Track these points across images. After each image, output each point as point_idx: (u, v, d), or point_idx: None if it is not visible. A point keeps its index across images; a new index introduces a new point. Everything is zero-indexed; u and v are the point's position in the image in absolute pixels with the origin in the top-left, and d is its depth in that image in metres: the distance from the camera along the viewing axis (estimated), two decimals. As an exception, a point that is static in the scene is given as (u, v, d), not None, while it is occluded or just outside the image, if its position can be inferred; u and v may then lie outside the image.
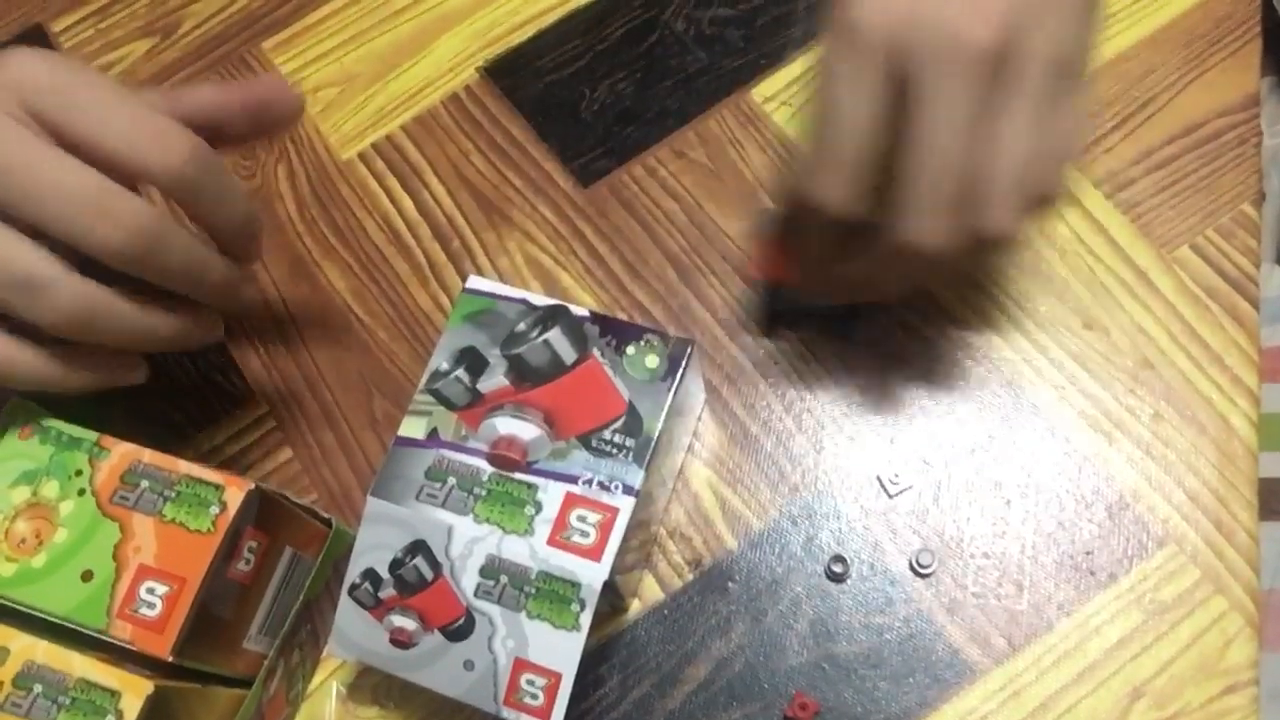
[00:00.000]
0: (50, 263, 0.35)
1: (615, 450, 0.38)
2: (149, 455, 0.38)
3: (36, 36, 0.58)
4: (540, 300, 0.40)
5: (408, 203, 0.52)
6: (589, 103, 0.53)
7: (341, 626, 0.38)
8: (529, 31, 0.55)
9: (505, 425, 0.38)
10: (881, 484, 0.44)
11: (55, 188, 0.35)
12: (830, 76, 0.34)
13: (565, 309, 0.40)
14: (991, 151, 0.34)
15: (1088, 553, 0.42)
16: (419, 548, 0.37)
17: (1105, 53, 0.50)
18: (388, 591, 0.38)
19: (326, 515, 0.43)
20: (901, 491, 0.44)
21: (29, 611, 0.36)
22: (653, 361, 0.39)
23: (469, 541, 0.37)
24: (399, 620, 0.37)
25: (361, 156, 0.54)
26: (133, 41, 0.58)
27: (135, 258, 0.36)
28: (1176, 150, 0.48)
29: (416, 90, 0.55)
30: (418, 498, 0.38)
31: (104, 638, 0.36)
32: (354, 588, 0.38)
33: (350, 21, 0.57)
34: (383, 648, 0.38)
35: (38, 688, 0.35)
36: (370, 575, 0.38)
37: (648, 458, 0.38)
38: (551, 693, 0.36)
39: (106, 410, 0.49)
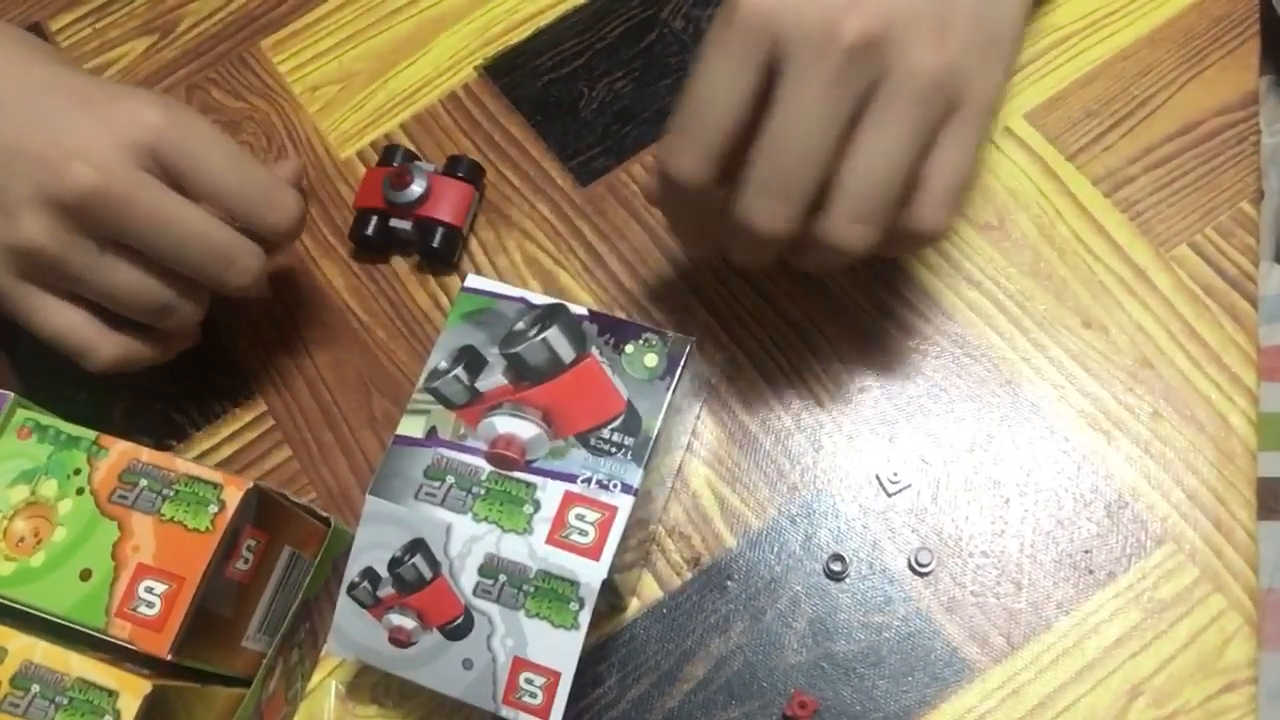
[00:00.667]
0: (175, 294, 0.42)
1: (614, 449, 0.38)
2: (147, 454, 0.38)
3: (34, 34, 0.58)
4: (539, 299, 0.40)
5: (406, 201, 0.52)
6: (588, 101, 0.53)
7: (340, 625, 0.38)
8: (527, 30, 0.55)
9: (504, 424, 0.38)
10: (880, 483, 0.44)
11: (198, 239, 0.41)
12: (707, 53, 0.35)
13: (564, 308, 0.40)
14: (848, 160, 0.35)
15: (1086, 551, 0.42)
16: (418, 546, 0.37)
17: (1104, 51, 0.50)
18: (386, 590, 0.38)
19: (325, 514, 0.43)
20: (900, 490, 0.44)
21: (27, 611, 0.36)
22: (651, 360, 0.39)
23: (468, 540, 0.37)
24: (398, 619, 0.37)
25: (360, 155, 0.54)
26: (131, 40, 0.58)
27: (247, 292, 0.43)
28: (1175, 149, 0.48)
29: (415, 89, 0.55)
30: (416, 496, 0.38)
31: (103, 637, 0.36)
32: (353, 586, 0.38)
33: (348, 20, 0.57)
34: (382, 646, 0.38)
35: (35, 688, 0.35)
36: (369, 574, 0.38)
37: (646, 456, 0.38)
38: (551, 691, 0.36)
39: (105, 409, 0.49)
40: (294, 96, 0.55)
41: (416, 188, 0.49)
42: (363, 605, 0.38)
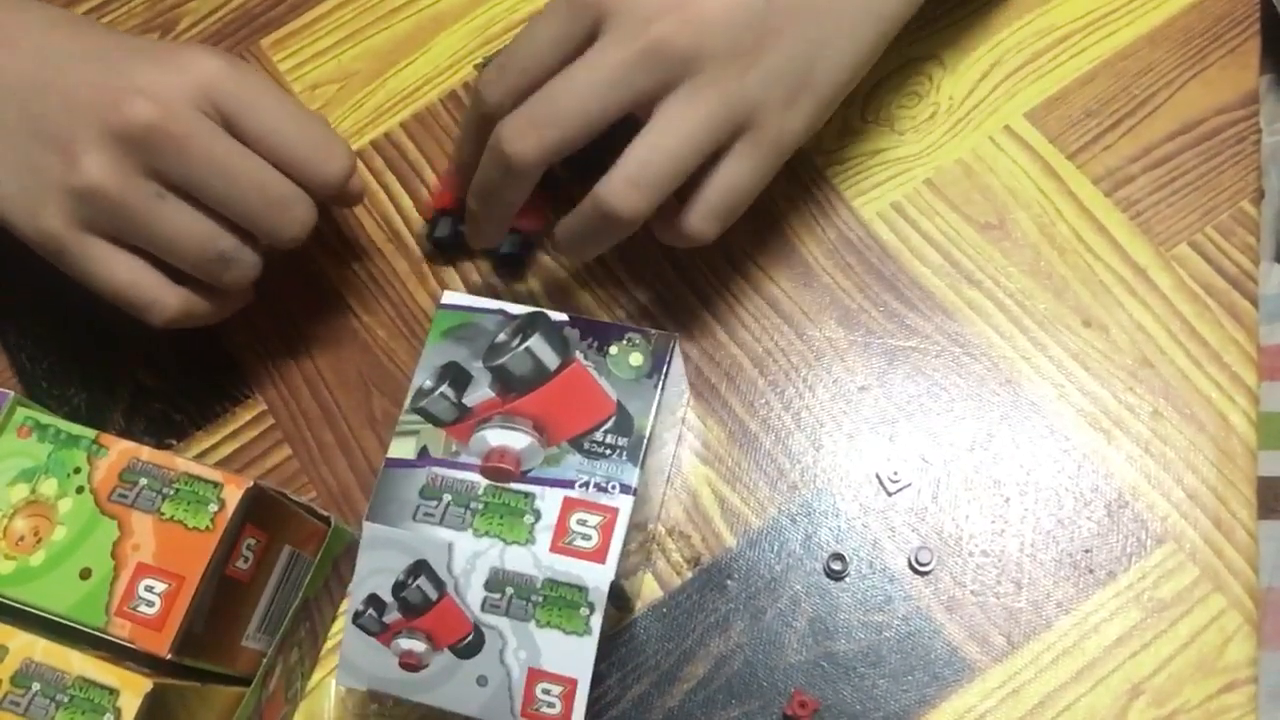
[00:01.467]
0: (232, 244, 0.42)
1: (609, 451, 0.38)
2: (147, 453, 0.38)
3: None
4: (517, 309, 0.40)
5: (407, 201, 0.52)
6: (588, 100, 0.53)
7: (348, 655, 0.37)
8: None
9: (495, 437, 0.38)
10: (880, 482, 0.44)
11: (254, 184, 0.41)
12: (545, 7, 0.40)
13: (544, 315, 0.40)
14: (638, 137, 0.38)
15: (1087, 550, 0.42)
16: (420, 568, 0.37)
17: (1104, 50, 0.50)
18: (393, 615, 0.37)
19: (325, 513, 0.43)
20: (900, 489, 0.44)
21: (27, 609, 0.36)
22: (637, 359, 0.39)
23: (470, 557, 0.37)
24: (407, 643, 0.37)
25: (360, 154, 0.53)
26: (131, 39, 0.58)
27: (296, 244, 0.43)
28: (1175, 148, 0.48)
29: (415, 88, 0.55)
30: (414, 518, 0.37)
31: (103, 635, 0.36)
32: (358, 615, 0.37)
33: (347, 19, 0.57)
34: (393, 673, 0.37)
35: (36, 686, 0.35)
36: (374, 601, 0.37)
37: (642, 455, 0.38)
38: (568, 699, 0.36)
39: (105, 409, 0.49)
40: (294, 95, 0.55)
41: None
42: (370, 633, 0.37)
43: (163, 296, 0.42)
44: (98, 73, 0.40)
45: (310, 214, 0.43)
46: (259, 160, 0.41)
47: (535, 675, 0.36)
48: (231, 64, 0.41)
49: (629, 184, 0.38)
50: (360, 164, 0.53)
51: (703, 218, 0.40)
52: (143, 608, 0.36)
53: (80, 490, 0.37)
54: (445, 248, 0.50)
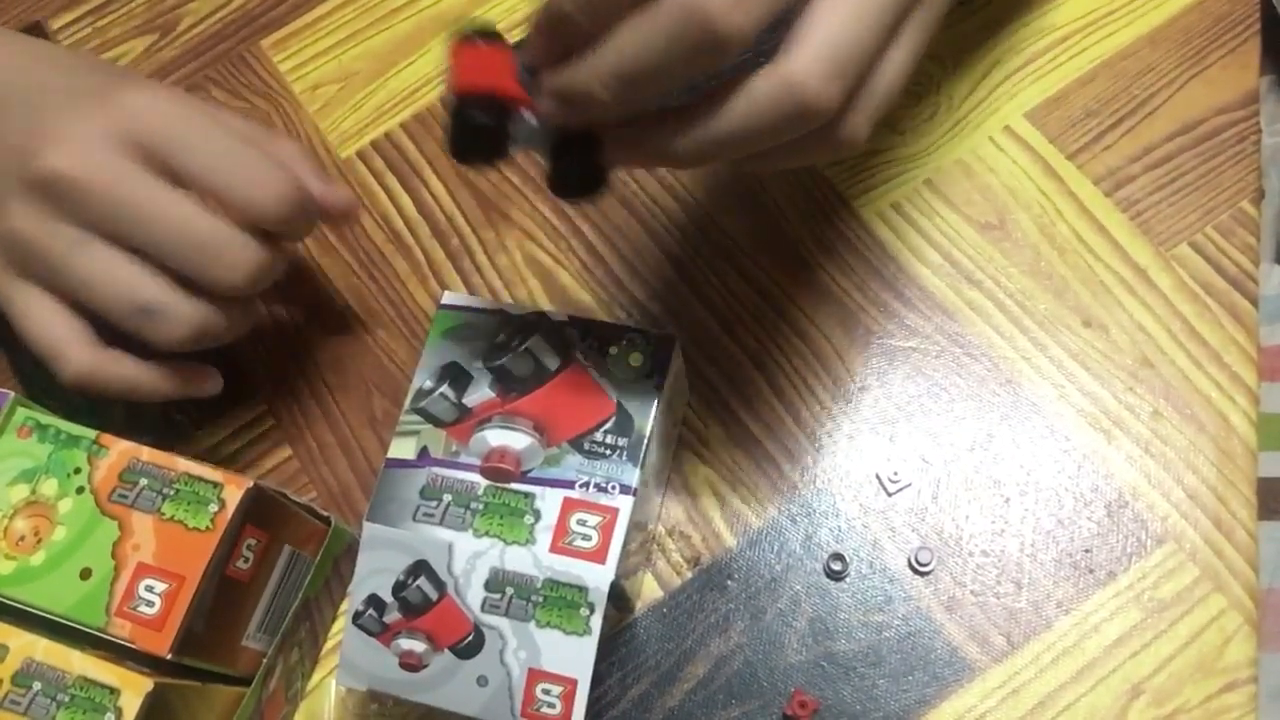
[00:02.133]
0: (167, 289, 0.39)
1: (609, 451, 0.38)
2: (147, 453, 0.38)
3: (35, 33, 0.58)
4: (517, 309, 0.40)
5: (407, 201, 0.52)
6: (588, 100, 0.53)
7: (349, 655, 0.37)
8: (527, 30, 0.55)
9: (496, 437, 0.38)
10: (880, 482, 0.44)
11: (179, 231, 0.38)
12: None
13: (544, 315, 0.40)
14: (815, 12, 0.29)
15: (1087, 550, 0.42)
16: (420, 568, 0.37)
17: (1104, 50, 0.50)
18: (393, 615, 0.37)
19: (325, 513, 0.43)
20: (900, 489, 0.44)
21: (28, 609, 0.36)
22: (636, 360, 0.39)
23: (471, 557, 0.37)
24: (407, 643, 0.37)
25: (361, 155, 0.54)
26: (130, 39, 0.58)
27: (243, 291, 0.40)
28: (1175, 148, 0.48)
29: (415, 88, 0.55)
30: (414, 518, 0.37)
31: (103, 635, 0.36)
32: (358, 615, 0.37)
33: (348, 20, 0.57)
34: (393, 673, 0.37)
35: (37, 685, 0.35)
36: (374, 601, 0.37)
37: (642, 456, 0.38)
38: (568, 699, 0.36)
39: (106, 409, 0.49)
40: (294, 96, 0.55)
41: None
42: (370, 633, 0.37)
43: (68, 351, 0.39)
44: (26, 117, 0.40)
45: (253, 257, 0.39)
46: (187, 204, 0.38)
47: (535, 675, 0.36)
48: (163, 101, 0.39)
49: (830, 65, 0.28)
50: (359, 165, 0.53)
51: (868, 118, 0.31)
52: (143, 608, 0.36)
53: (80, 490, 0.37)
54: (483, 145, 0.33)
